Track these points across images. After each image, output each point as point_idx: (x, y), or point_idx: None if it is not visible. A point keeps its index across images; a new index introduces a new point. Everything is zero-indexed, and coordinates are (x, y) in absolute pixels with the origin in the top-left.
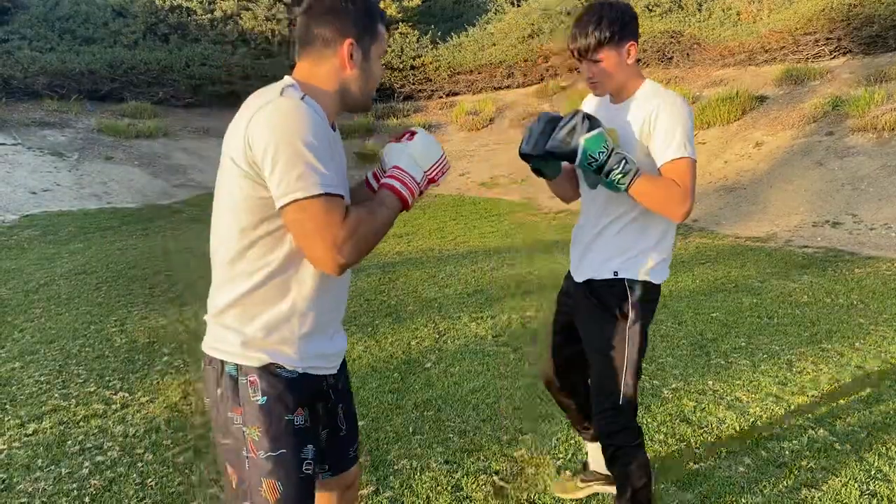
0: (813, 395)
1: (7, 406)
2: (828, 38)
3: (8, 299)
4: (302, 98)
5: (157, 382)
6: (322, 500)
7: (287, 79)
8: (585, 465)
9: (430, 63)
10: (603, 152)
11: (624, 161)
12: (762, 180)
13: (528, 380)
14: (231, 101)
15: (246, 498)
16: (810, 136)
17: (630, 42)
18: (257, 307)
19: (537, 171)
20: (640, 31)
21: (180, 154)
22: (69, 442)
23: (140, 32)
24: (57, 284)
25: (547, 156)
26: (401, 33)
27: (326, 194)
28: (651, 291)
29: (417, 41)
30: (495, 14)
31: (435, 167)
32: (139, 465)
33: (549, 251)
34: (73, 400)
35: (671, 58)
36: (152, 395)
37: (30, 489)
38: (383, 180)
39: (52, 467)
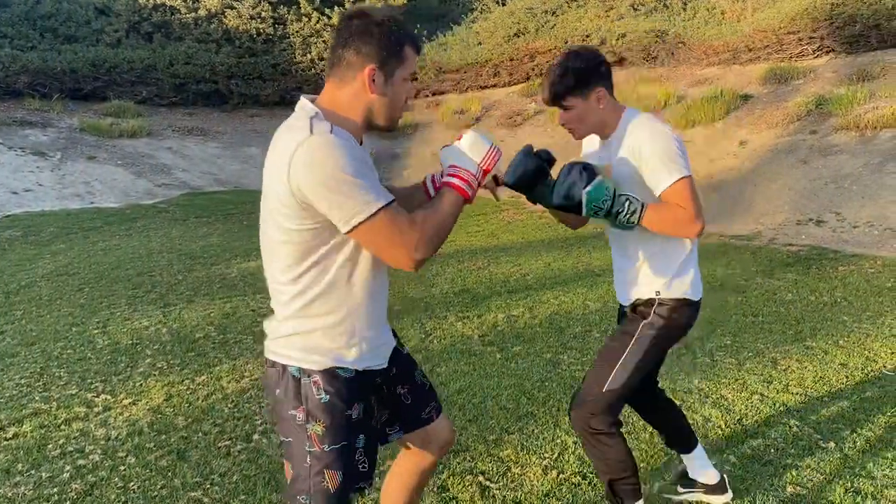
0: (798, 393)
1: None
2: (811, 38)
3: None
4: (331, 130)
5: (140, 384)
6: (414, 456)
7: (308, 106)
8: (685, 472)
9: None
10: (606, 199)
11: (628, 201)
12: (747, 179)
13: (514, 380)
14: (215, 99)
15: (302, 491)
16: (794, 135)
17: (597, 88)
18: (317, 319)
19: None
20: (625, 30)
21: (164, 153)
22: (50, 445)
23: (123, 31)
24: (38, 286)
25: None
26: None
27: (383, 207)
28: (680, 307)
29: None
30: (481, 13)
31: (486, 158)
32: (121, 468)
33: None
34: (54, 403)
35: (656, 57)
36: (135, 398)
37: (10, 494)
38: (443, 180)
39: (33, 472)
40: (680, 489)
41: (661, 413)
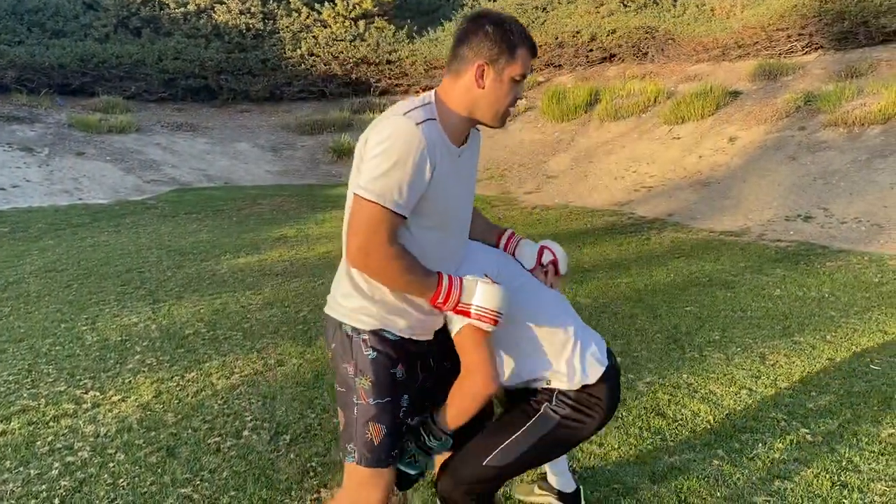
0: (785, 388)
1: None
2: (800, 34)
3: None
4: (420, 122)
5: (130, 381)
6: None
7: (429, 95)
8: (545, 475)
9: (407, 57)
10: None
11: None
12: (736, 175)
13: None
14: (205, 95)
15: (352, 438)
16: (783, 131)
17: None
18: (368, 288)
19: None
20: (615, 26)
21: (153, 149)
22: (38, 443)
23: (111, 26)
24: (26, 282)
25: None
26: (377, 27)
27: (383, 207)
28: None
29: (394, 35)
30: (471, 9)
31: (481, 310)
32: (111, 465)
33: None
34: (42, 399)
35: (646, 53)
36: (124, 394)
37: None
38: (448, 273)
39: (21, 469)
40: (536, 490)
41: None
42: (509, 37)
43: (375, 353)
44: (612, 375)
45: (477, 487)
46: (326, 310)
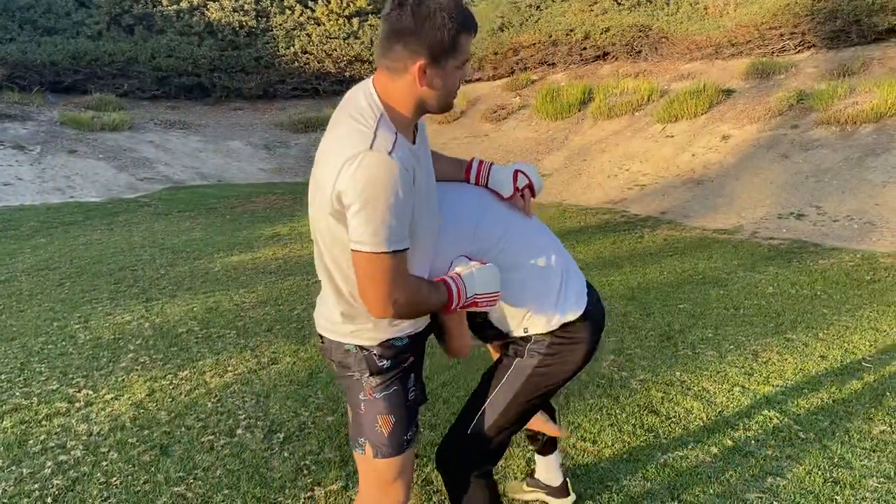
0: (778, 385)
1: None
2: (793, 33)
3: None
4: (392, 151)
5: (122, 379)
6: None
7: (375, 101)
8: (533, 472)
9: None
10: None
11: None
12: (729, 173)
13: None
14: (198, 93)
15: (361, 433)
16: (776, 130)
17: None
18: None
19: None
20: (609, 24)
21: (146, 147)
22: (31, 441)
23: (104, 23)
24: (18, 280)
25: None
26: (370, 25)
27: (391, 252)
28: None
29: None
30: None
31: (484, 296)
32: (104, 464)
33: None
34: (34, 398)
35: (640, 51)
36: (117, 393)
37: None
38: (447, 276)
39: (13, 468)
40: (525, 487)
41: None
42: (447, 29)
43: (389, 361)
44: (592, 312)
45: (472, 457)
46: (321, 331)
